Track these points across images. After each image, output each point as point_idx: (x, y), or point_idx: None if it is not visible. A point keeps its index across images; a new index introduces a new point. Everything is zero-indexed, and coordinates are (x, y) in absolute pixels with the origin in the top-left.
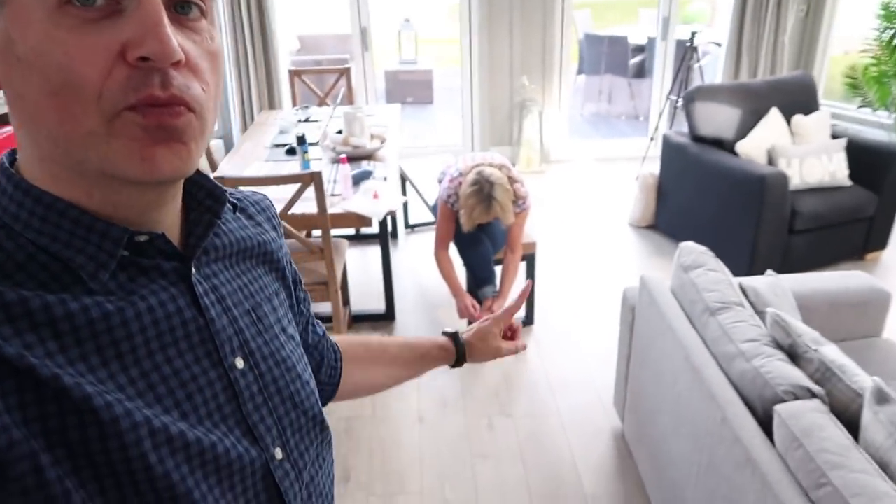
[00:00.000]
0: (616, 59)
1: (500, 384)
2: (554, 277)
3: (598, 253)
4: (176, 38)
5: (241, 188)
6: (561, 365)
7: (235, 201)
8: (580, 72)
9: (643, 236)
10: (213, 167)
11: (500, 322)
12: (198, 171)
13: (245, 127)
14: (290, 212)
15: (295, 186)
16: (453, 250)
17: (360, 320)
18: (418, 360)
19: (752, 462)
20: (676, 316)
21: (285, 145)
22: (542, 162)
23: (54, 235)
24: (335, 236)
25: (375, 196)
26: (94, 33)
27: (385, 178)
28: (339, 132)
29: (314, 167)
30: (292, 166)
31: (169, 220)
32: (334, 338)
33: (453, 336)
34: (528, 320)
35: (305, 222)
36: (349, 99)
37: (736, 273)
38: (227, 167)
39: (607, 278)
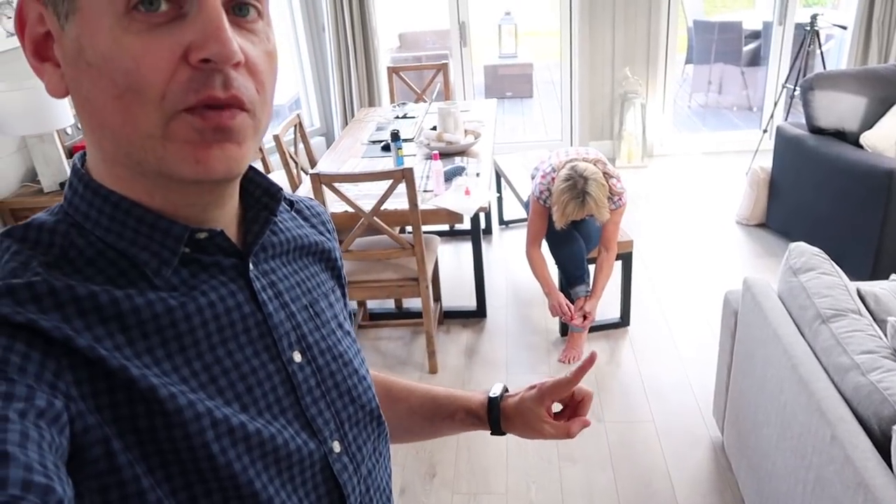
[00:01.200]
0: (728, 46)
1: (591, 386)
2: (653, 277)
3: (701, 252)
4: (235, 40)
5: (296, 194)
6: (657, 369)
7: (292, 201)
8: (688, 61)
9: (752, 235)
10: (313, 164)
11: (545, 397)
12: (254, 170)
13: (346, 124)
14: (382, 208)
15: (388, 183)
16: (545, 248)
17: (452, 317)
18: (441, 420)
19: (864, 486)
20: (783, 322)
21: (381, 142)
22: (645, 156)
23: (120, 233)
24: (427, 232)
25: (467, 192)
26: (159, 37)
27: (478, 174)
28: (434, 128)
29: (408, 163)
30: (387, 162)
31: (227, 217)
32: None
33: (491, 402)
34: (624, 321)
35: (397, 218)
36: (446, 95)
37: (856, 278)
38: (325, 164)
39: (711, 279)
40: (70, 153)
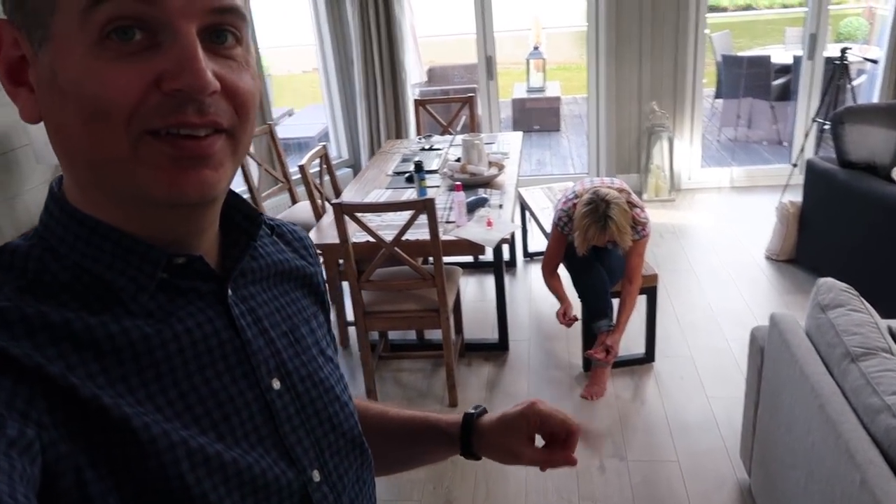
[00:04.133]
0: (757, 80)
1: (614, 424)
2: (679, 312)
3: (729, 287)
4: (211, 67)
5: (278, 218)
6: (682, 406)
7: (273, 225)
8: (718, 95)
9: (781, 271)
10: (338, 194)
11: (531, 417)
12: (234, 194)
13: (373, 155)
14: (403, 238)
15: (410, 213)
16: (567, 279)
17: (474, 349)
18: (416, 442)
19: None
20: (811, 360)
21: (406, 173)
22: (672, 190)
23: (97, 258)
24: (451, 263)
25: (489, 224)
26: (130, 64)
27: (500, 206)
28: (458, 160)
29: (431, 194)
30: (411, 193)
31: (207, 242)
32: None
33: (467, 419)
34: (649, 357)
35: (419, 249)
36: (472, 127)
37: (887, 315)
38: (350, 194)
39: (738, 315)
40: None
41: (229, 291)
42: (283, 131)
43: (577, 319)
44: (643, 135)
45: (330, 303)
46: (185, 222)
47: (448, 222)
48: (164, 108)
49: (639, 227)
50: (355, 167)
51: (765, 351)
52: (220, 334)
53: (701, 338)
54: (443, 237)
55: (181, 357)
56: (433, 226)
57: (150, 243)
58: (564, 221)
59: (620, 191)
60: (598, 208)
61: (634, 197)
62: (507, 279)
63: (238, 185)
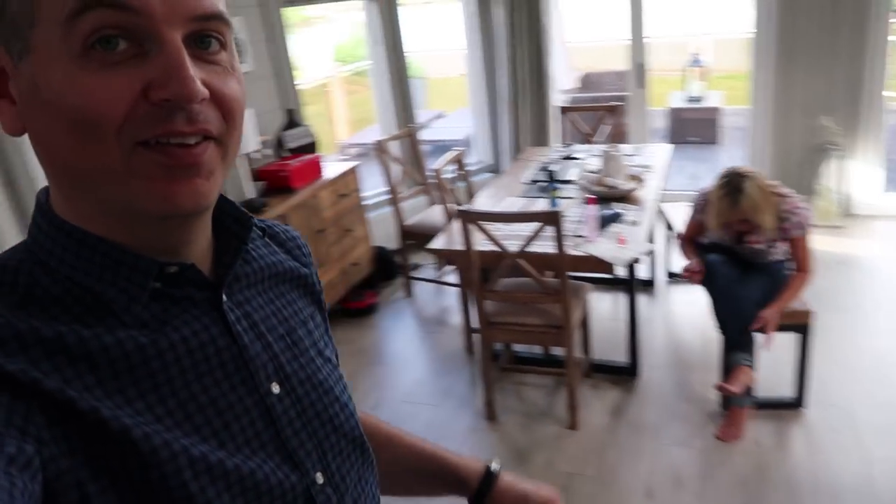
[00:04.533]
0: None
1: (750, 473)
2: (839, 356)
3: None
4: (198, 74)
5: (271, 220)
6: (835, 464)
7: (265, 227)
8: None
9: None
10: (471, 197)
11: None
12: (224, 198)
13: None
14: (529, 250)
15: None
16: (700, 298)
17: (601, 371)
18: (425, 476)
19: None
20: None
21: (541, 182)
22: (843, 216)
23: (87, 270)
24: (584, 279)
25: (621, 241)
26: (116, 74)
27: (635, 223)
28: (596, 171)
29: (565, 206)
30: (544, 203)
31: (199, 249)
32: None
33: (489, 475)
34: (799, 402)
35: (544, 262)
36: (617, 137)
37: None
38: (483, 200)
39: None
40: (256, 176)
41: (224, 298)
42: (434, 134)
43: (700, 273)
44: (811, 152)
45: (325, 302)
46: (176, 232)
47: (578, 236)
48: (153, 118)
49: (793, 217)
50: (497, 172)
51: None
52: (217, 341)
53: (865, 387)
54: (570, 252)
55: (178, 366)
56: (559, 239)
57: (140, 253)
58: (701, 204)
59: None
60: (731, 181)
61: (785, 190)
62: (644, 299)
63: (378, 186)
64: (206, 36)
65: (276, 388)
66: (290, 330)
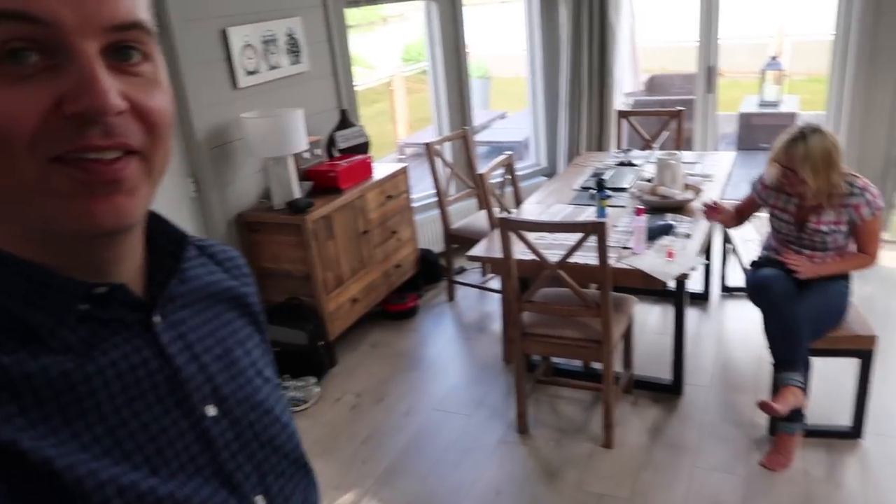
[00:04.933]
0: None
1: (797, 503)
2: None
3: None
4: (117, 86)
5: (208, 238)
6: (891, 502)
7: (202, 246)
8: None
9: None
10: (519, 203)
11: None
12: (156, 215)
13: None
14: (572, 260)
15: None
16: (756, 316)
17: (643, 387)
18: None
19: None
20: None
21: (591, 189)
22: None
23: (10, 293)
24: (624, 291)
25: (669, 255)
26: (27, 88)
27: (688, 236)
28: (650, 180)
29: (614, 215)
30: (592, 212)
31: (130, 268)
32: None
33: None
34: (856, 432)
35: (586, 274)
36: (677, 144)
37: None
38: (530, 206)
39: None
40: (304, 176)
41: (157, 318)
42: (494, 134)
43: (718, 211)
44: (891, 164)
45: (265, 323)
46: (102, 251)
47: (625, 248)
48: (66, 133)
49: (865, 194)
50: (552, 176)
51: None
52: (149, 364)
53: None
54: (615, 264)
55: (107, 391)
56: (602, 251)
57: (66, 275)
58: (760, 182)
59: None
60: (802, 129)
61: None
62: (695, 315)
63: (427, 189)
64: (125, 47)
65: (212, 411)
66: (227, 351)
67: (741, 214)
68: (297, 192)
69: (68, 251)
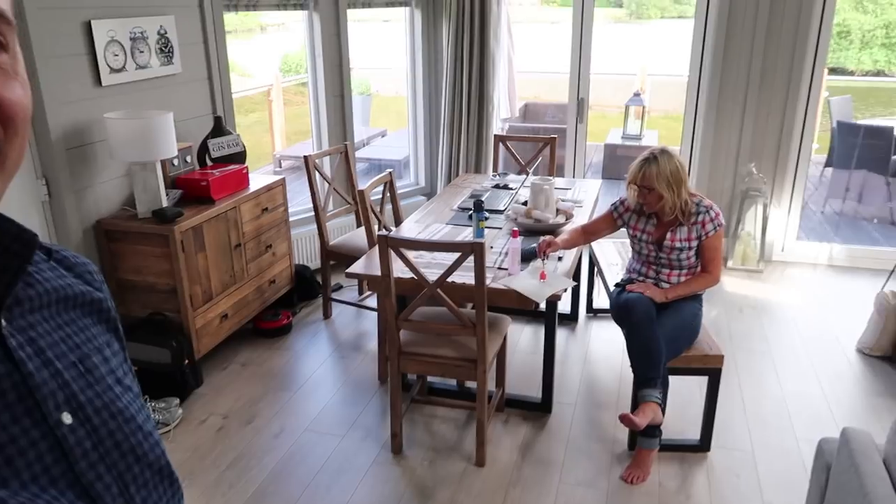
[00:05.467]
0: (875, 152)
1: None
2: (747, 399)
3: (809, 379)
4: None
5: (56, 244)
6: None
7: (51, 250)
8: (828, 164)
9: (873, 368)
10: (399, 222)
11: None
12: (2, 216)
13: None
14: (449, 280)
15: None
16: (618, 339)
17: (514, 406)
18: None
19: None
20: (884, 495)
21: (469, 210)
22: (761, 261)
23: None
24: (498, 311)
25: (542, 276)
26: None
27: (560, 259)
28: (525, 203)
29: (491, 236)
30: (469, 232)
31: None
32: None
33: None
34: (704, 445)
35: (463, 293)
36: (550, 170)
37: None
38: (409, 224)
39: (816, 413)
40: (173, 184)
41: (2, 322)
42: (373, 152)
43: (551, 247)
44: (736, 198)
45: (122, 329)
46: None
47: (500, 268)
48: None
49: (710, 213)
50: (430, 196)
51: (831, 470)
52: None
53: (767, 433)
54: (491, 285)
55: None
56: (479, 271)
57: None
58: (621, 204)
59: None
60: (653, 151)
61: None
62: (564, 335)
63: (305, 203)
64: None
65: (67, 419)
66: (83, 357)
67: (589, 233)
68: (164, 200)
69: None
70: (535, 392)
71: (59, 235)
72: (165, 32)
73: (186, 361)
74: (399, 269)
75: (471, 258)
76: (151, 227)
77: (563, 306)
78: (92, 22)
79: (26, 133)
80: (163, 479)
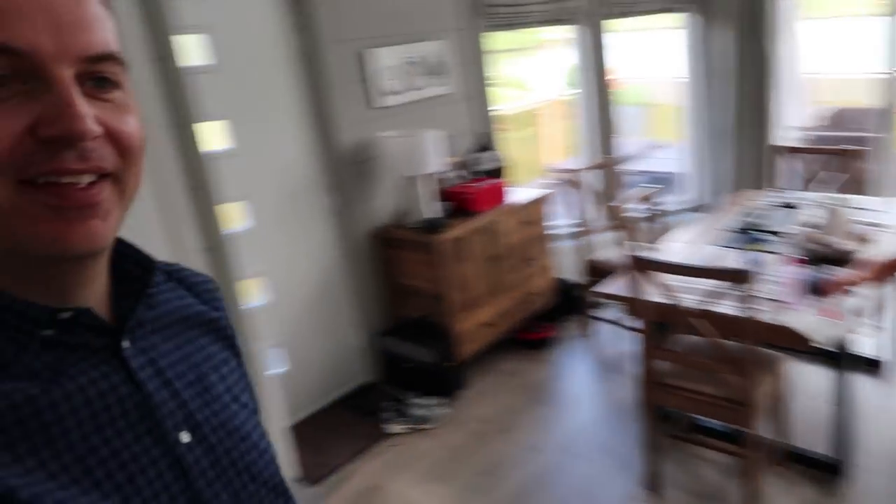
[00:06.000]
0: None
1: None
2: None
3: None
4: (92, 112)
5: (178, 263)
6: None
7: (171, 271)
8: None
9: None
10: (661, 239)
11: None
12: (123, 242)
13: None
14: (710, 309)
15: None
16: None
17: (799, 461)
18: None
19: None
20: None
21: (744, 231)
22: None
23: None
24: (772, 348)
25: (832, 314)
26: (2, 111)
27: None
28: (814, 226)
29: (766, 262)
30: (743, 256)
31: (96, 293)
32: None
33: None
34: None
35: (727, 325)
36: (853, 187)
37: None
38: (672, 244)
39: None
40: (442, 195)
41: (125, 343)
42: (648, 165)
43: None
44: None
45: (240, 347)
46: (68, 274)
47: (777, 301)
48: (38, 156)
49: None
50: (703, 213)
51: None
52: (119, 390)
53: None
54: (761, 318)
55: (74, 418)
56: (748, 302)
57: (29, 300)
58: None
59: None
60: None
61: None
62: (868, 383)
63: (574, 216)
64: (99, 77)
65: (185, 437)
66: (202, 376)
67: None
68: (431, 211)
69: (32, 275)
70: (822, 447)
71: (346, 241)
72: (437, 56)
73: (450, 363)
74: (653, 293)
75: (737, 286)
76: (418, 236)
77: (865, 348)
78: (372, 50)
79: (142, 161)
80: (277, 497)
